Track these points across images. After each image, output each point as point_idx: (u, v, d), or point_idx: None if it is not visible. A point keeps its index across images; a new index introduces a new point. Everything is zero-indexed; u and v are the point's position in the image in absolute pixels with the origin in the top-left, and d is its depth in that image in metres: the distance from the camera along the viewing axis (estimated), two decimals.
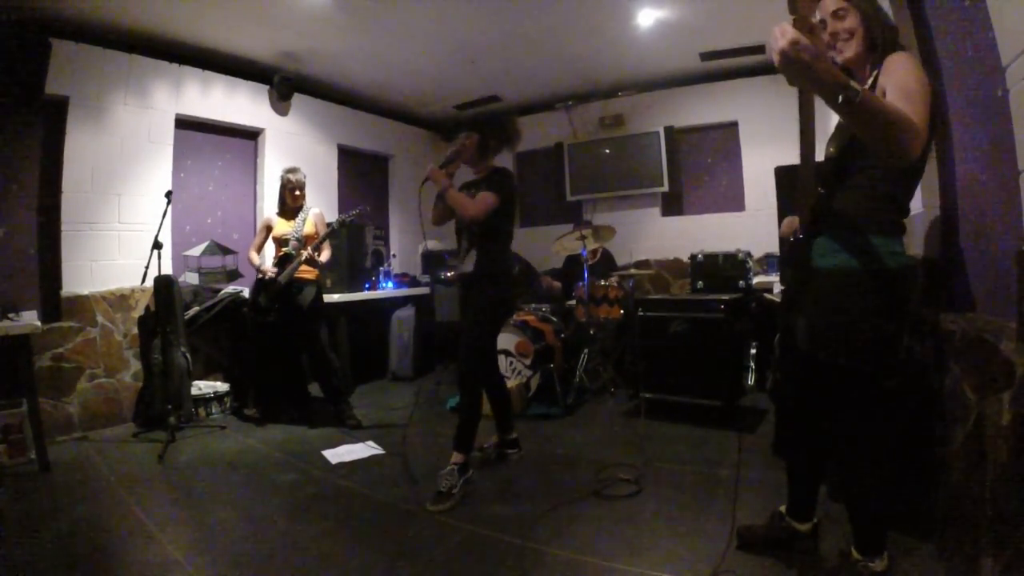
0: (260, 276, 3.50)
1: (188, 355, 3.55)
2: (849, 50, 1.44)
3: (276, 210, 3.67)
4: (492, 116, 2.75)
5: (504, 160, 6.38)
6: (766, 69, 4.86)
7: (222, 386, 3.93)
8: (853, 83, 1.08)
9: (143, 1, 3.41)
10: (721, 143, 5.37)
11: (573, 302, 4.32)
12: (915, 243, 2.12)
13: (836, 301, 1.44)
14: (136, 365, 3.75)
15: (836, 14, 1.44)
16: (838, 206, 1.47)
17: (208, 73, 4.33)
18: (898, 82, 1.28)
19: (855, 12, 1.43)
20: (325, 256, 3.51)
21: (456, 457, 2.41)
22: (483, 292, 2.52)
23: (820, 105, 1.20)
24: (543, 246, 5.01)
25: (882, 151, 1.22)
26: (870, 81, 1.42)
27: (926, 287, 1.96)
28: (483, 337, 2.54)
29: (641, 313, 3.43)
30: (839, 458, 1.74)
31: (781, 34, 1.04)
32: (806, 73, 1.06)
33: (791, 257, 1.58)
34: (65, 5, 3.36)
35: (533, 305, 4.33)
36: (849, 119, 1.18)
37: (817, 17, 1.46)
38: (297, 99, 4.95)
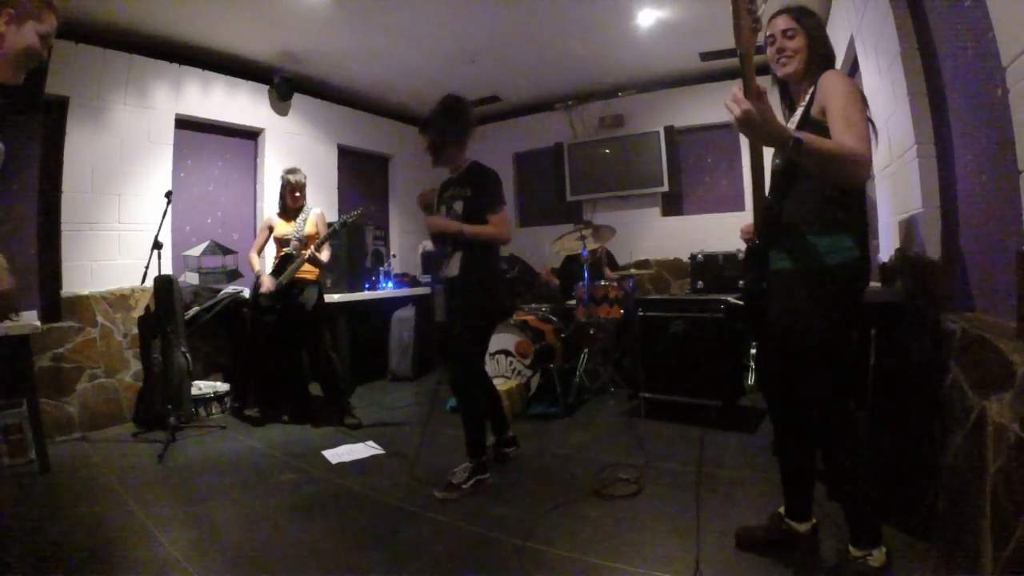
0: (257, 284, 3.50)
1: (188, 355, 3.55)
2: (791, 66, 1.60)
3: (277, 211, 3.67)
4: (436, 113, 2.48)
5: (505, 159, 6.40)
6: (766, 69, 4.84)
7: (222, 386, 3.93)
8: (798, 133, 1.29)
9: (143, 1, 3.41)
10: (721, 143, 5.37)
11: (573, 302, 4.32)
12: (915, 243, 2.12)
13: (788, 299, 1.57)
14: (136, 365, 3.75)
15: (786, 33, 1.59)
16: (786, 212, 1.59)
17: (208, 73, 4.33)
18: (837, 108, 1.42)
19: (803, 34, 1.58)
20: (325, 256, 3.51)
21: (470, 461, 2.43)
22: (471, 298, 2.43)
23: None
24: (543, 246, 5.01)
25: (834, 181, 1.41)
26: (808, 96, 1.56)
27: (926, 287, 1.96)
28: (471, 346, 2.46)
29: (641, 313, 3.43)
30: (825, 454, 1.77)
31: (736, 104, 1.27)
32: (758, 132, 1.30)
33: (750, 262, 1.71)
34: (65, 5, 3.35)
35: (533, 305, 4.33)
36: (801, 161, 1.36)
37: (767, 32, 1.61)
38: (297, 99, 4.95)
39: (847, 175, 1.37)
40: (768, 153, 1.48)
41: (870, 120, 1.49)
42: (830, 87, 1.47)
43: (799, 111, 1.59)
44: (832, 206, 1.52)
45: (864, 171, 1.36)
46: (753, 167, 1.48)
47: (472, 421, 2.45)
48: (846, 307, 1.55)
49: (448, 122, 2.44)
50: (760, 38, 1.40)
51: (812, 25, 1.59)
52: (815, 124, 1.48)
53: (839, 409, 1.56)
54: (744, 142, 5.02)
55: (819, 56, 1.58)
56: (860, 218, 1.56)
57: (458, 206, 2.43)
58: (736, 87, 1.29)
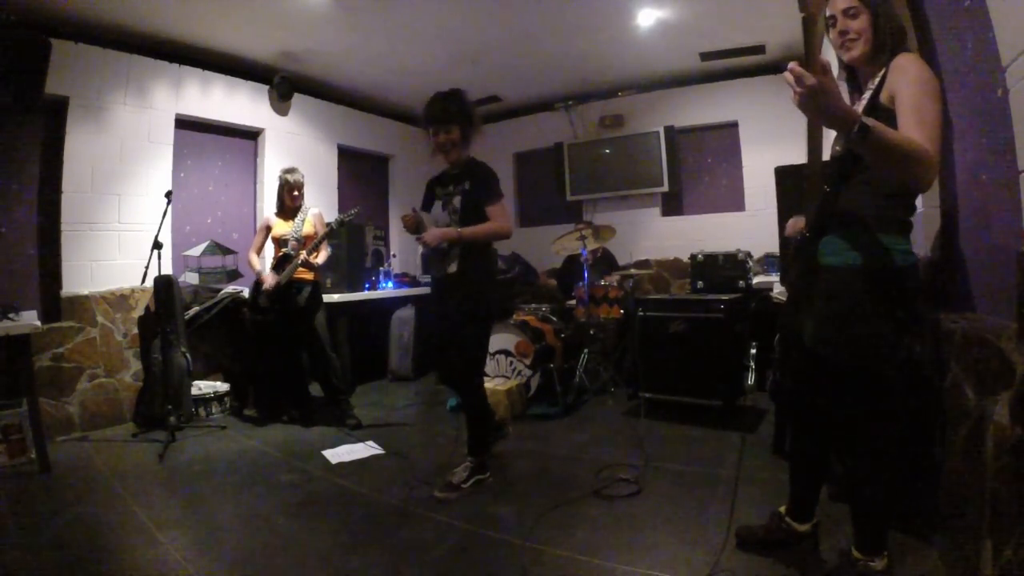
0: (259, 282, 3.49)
1: (188, 355, 3.55)
2: (856, 49, 1.44)
3: (275, 210, 3.67)
4: (463, 103, 2.43)
5: (505, 159, 6.41)
6: (766, 69, 4.86)
7: (222, 386, 3.93)
8: (866, 119, 1.12)
9: (143, 1, 3.41)
10: (721, 143, 5.36)
11: (573, 302, 4.32)
12: (915, 243, 2.12)
13: (843, 299, 1.44)
14: (136, 365, 3.75)
15: (847, 12, 1.43)
16: (844, 204, 1.47)
17: (208, 73, 4.33)
18: (910, 100, 1.27)
19: (866, 12, 1.42)
20: (323, 257, 3.50)
21: (471, 460, 2.44)
22: (469, 297, 2.38)
23: None
24: (543, 246, 5.01)
25: (897, 182, 1.26)
26: (877, 80, 1.42)
27: (926, 287, 1.96)
28: (476, 349, 2.45)
29: (641, 313, 3.43)
30: (842, 457, 1.74)
31: (796, 78, 1.09)
32: (822, 112, 1.12)
33: (798, 255, 1.59)
34: (65, 5, 3.36)
35: (533, 305, 4.33)
36: (864, 152, 1.19)
37: (827, 12, 1.45)
38: (297, 99, 4.95)
39: (910, 176, 1.21)
40: (826, 138, 1.34)
41: (946, 114, 1.37)
42: (903, 74, 1.32)
43: (867, 95, 1.44)
44: (896, 203, 1.42)
45: (930, 175, 1.22)
46: (811, 150, 1.32)
47: (477, 419, 2.47)
48: (907, 314, 1.42)
49: (471, 114, 2.43)
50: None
51: (875, 1, 1.42)
52: (883, 110, 1.34)
53: (883, 423, 1.48)
54: (746, 142, 5.10)
55: (887, 35, 1.41)
56: (911, 224, 1.48)
57: (457, 201, 2.41)
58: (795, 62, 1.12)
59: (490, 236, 2.37)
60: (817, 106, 1.11)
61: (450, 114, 2.37)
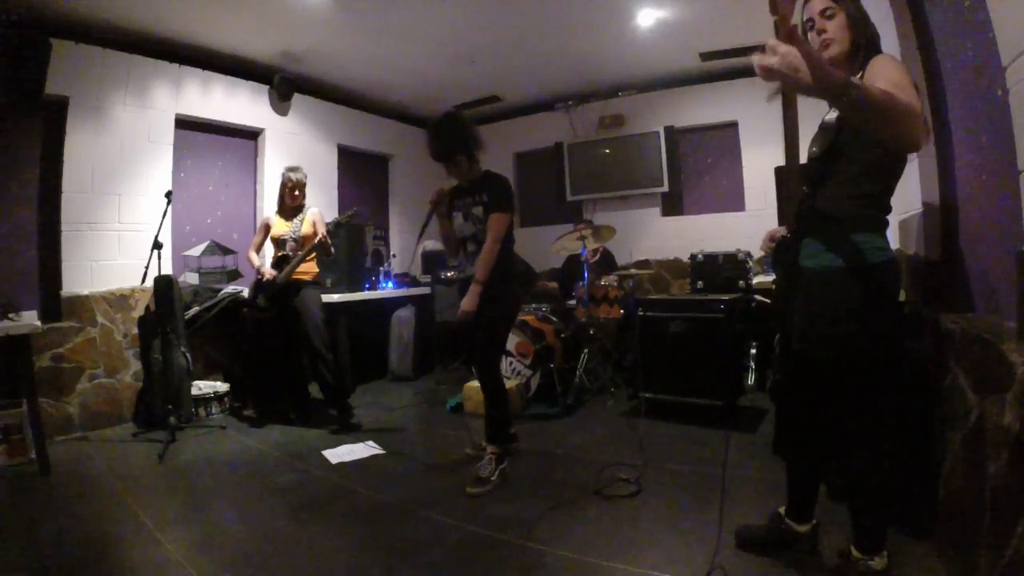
0: (259, 277, 3.48)
1: (188, 355, 3.55)
2: (834, 49, 1.47)
3: (275, 209, 3.65)
4: (458, 129, 2.57)
5: (505, 159, 6.40)
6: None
7: (222, 386, 3.93)
8: (854, 79, 1.11)
9: (143, 1, 3.41)
10: (721, 143, 5.37)
11: (573, 302, 4.32)
12: (915, 243, 2.12)
13: (822, 299, 1.47)
14: (136, 365, 3.75)
15: (824, 13, 1.47)
16: (821, 205, 1.50)
17: (208, 73, 4.33)
18: (885, 77, 1.29)
19: (842, 12, 1.45)
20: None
21: (491, 449, 2.53)
22: (492, 299, 2.51)
23: (802, 108, 1.22)
24: (543, 246, 5.01)
25: (891, 140, 1.25)
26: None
27: (926, 287, 1.96)
28: (495, 345, 2.64)
29: (641, 313, 3.43)
30: (840, 456, 1.74)
31: (772, 50, 1.08)
32: (810, 77, 1.08)
33: (780, 258, 1.62)
34: (65, 5, 3.36)
35: (533, 305, 4.33)
36: (855, 114, 1.19)
37: (804, 16, 1.48)
38: (297, 99, 4.95)
39: (901, 132, 1.18)
40: (804, 141, 1.37)
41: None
42: (880, 68, 1.34)
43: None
44: (870, 203, 1.44)
45: (919, 129, 1.19)
46: (788, 154, 1.35)
47: (496, 406, 2.57)
48: (888, 311, 1.44)
49: (467, 138, 2.55)
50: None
51: (850, 1, 1.46)
52: None
53: (877, 421, 1.49)
54: (746, 142, 5.09)
55: (863, 36, 1.44)
56: (886, 221, 1.49)
57: (478, 211, 2.57)
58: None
59: (491, 264, 2.49)
60: (798, 71, 1.07)
61: (452, 149, 2.55)
